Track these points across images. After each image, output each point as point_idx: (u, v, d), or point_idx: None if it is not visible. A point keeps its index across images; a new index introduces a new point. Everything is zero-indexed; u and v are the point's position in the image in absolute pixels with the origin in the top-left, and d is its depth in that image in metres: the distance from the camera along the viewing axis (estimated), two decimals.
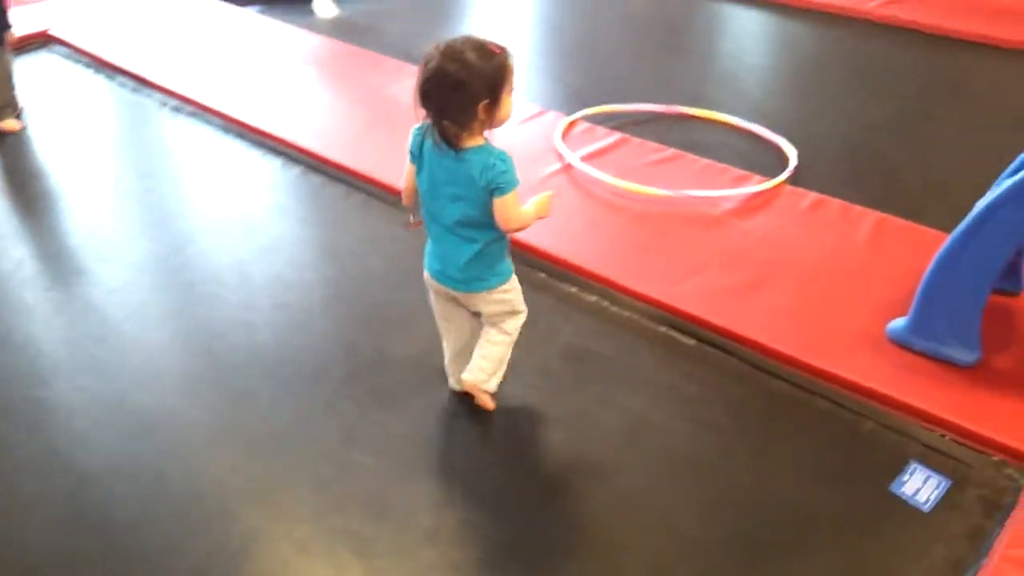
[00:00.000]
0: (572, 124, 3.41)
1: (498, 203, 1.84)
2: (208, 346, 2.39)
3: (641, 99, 3.65)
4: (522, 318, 2.09)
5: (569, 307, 2.52)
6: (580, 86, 3.90)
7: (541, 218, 1.97)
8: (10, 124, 3.45)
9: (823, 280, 2.56)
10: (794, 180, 3.06)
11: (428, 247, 2.02)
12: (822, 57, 4.31)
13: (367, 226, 2.92)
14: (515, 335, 2.09)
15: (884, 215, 2.83)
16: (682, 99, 3.68)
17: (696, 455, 2.05)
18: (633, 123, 3.51)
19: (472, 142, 1.83)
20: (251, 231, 2.89)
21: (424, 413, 2.17)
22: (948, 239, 2.17)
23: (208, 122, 3.57)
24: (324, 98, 3.71)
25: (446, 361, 2.20)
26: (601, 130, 3.39)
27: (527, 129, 3.39)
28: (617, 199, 2.94)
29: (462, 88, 1.75)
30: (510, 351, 2.10)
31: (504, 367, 2.11)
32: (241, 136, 3.46)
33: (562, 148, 3.21)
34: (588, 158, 3.16)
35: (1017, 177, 2.04)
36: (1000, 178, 2.40)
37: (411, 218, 2.04)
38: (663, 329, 2.42)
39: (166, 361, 2.34)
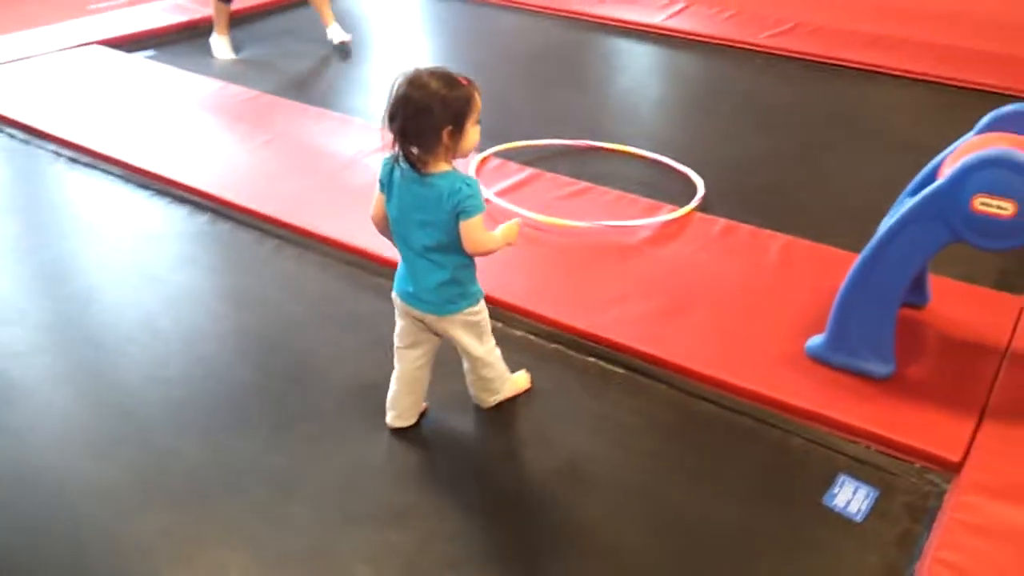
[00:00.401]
0: (484, 161, 3.43)
1: (464, 227, 1.90)
2: (123, 406, 2.28)
3: (548, 134, 3.70)
4: (492, 342, 2.16)
5: (498, 343, 2.51)
6: (488, 123, 3.89)
7: (509, 244, 2.03)
8: None
9: (740, 302, 2.63)
10: (703, 208, 3.15)
11: (399, 270, 2.07)
12: (718, 88, 4.47)
13: (282, 271, 2.85)
14: (494, 357, 2.17)
15: (791, 238, 2.94)
16: (587, 133, 3.75)
17: (636, 483, 2.07)
18: (543, 158, 3.56)
19: (438, 168, 1.90)
20: (159, 283, 2.79)
21: (358, 458, 2.12)
22: (859, 258, 2.26)
23: (107, 172, 3.45)
24: (227, 143, 3.64)
25: (390, 394, 2.19)
26: (513, 166, 3.42)
27: None
28: (535, 233, 2.96)
29: (426, 113, 1.82)
30: (501, 366, 2.20)
31: (504, 379, 2.23)
32: (143, 186, 3.35)
33: None
34: (503, 193, 3.18)
35: (919, 196, 2.14)
36: (900, 198, 2.53)
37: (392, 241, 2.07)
38: (591, 359, 2.44)
39: (80, 424, 2.22)
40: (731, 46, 4.88)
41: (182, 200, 3.24)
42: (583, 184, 3.28)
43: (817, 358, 2.37)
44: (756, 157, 3.68)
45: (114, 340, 2.53)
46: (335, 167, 3.40)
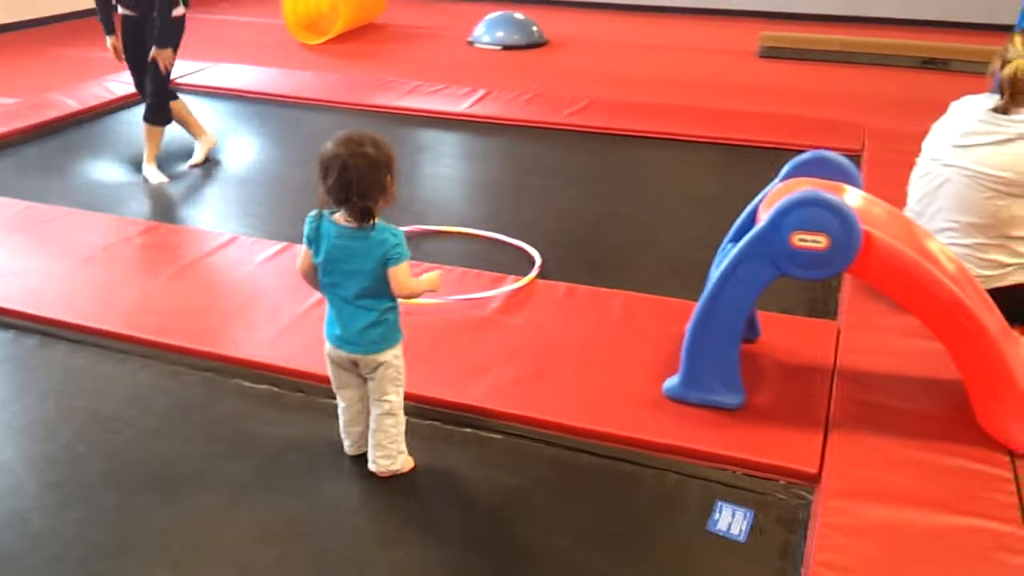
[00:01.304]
0: None
1: (392, 272, 2.11)
2: None
3: None
4: (402, 391, 2.28)
5: None
6: None
7: (432, 291, 2.24)
8: None
9: (596, 356, 2.78)
10: (543, 275, 3.31)
11: (328, 316, 2.23)
12: (532, 165, 4.72)
13: (126, 385, 2.72)
14: (401, 412, 2.28)
15: (629, 292, 3.15)
16: (416, 219, 3.86)
17: (526, 543, 2.11)
18: None
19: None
20: None
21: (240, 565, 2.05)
22: (700, 301, 2.47)
23: None
24: (43, 262, 3.44)
25: (342, 426, 2.36)
26: None
27: (280, 263, 3.39)
28: None
29: (377, 167, 2.05)
30: (403, 427, 2.30)
31: (403, 442, 2.30)
32: None
33: None
34: None
35: (745, 239, 2.38)
36: (723, 244, 2.79)
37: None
38: (467, 430, 2.50)
39: None
40: (536, 126, 5.19)
41: (4, 325, 3.03)
42: (425, 265, 3.36)
43: (675, 397, 2.55)
44: (582, 224, 3.92)
45: None
46: (167, 275, 3.31)
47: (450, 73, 6.31)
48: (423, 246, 3.65)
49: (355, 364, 2.24)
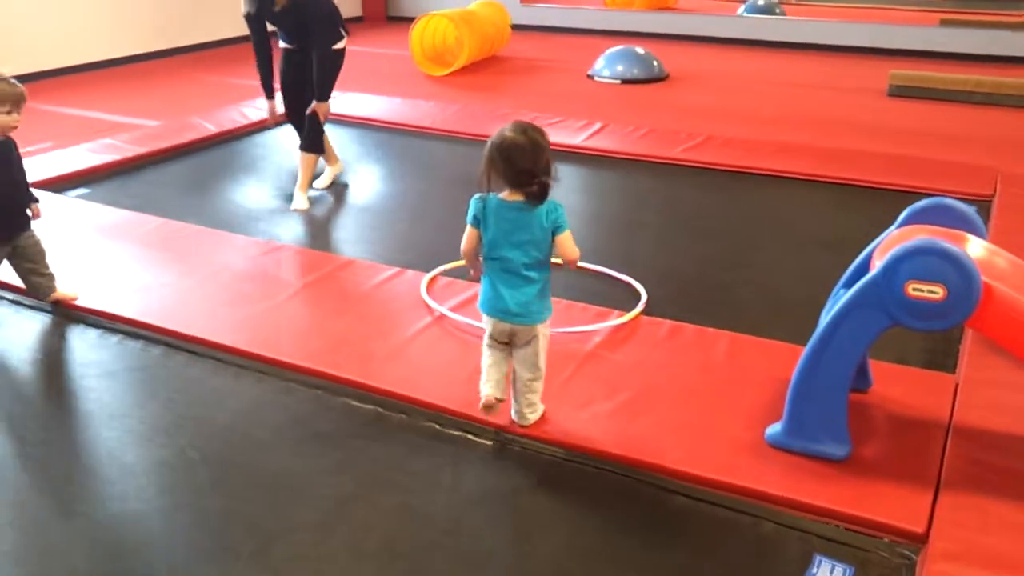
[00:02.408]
0: (433, 280, 3.54)
1: (560, 239, 2.40)
2: (96, 540, 2.23)
3: None
4: (542, 371, 2.54)
5: (468, 453, 2.56)
6: (429, 245, 4.06)
7: (576, 263, 2.47)
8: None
9: (697, 397, 2.75)
10: (648, 312, 3.29)
11: (488, 293, 2.47)
12: (645, 200, 4.72)
13: (240, 398, 2.85)
14: (542, 376, 2.54)
15: (734, 334, 3.10)
16: None
17: None
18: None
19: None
20: (120, 419, 2.75)
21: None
22: (807, 347, 2.41)
23: (52, 313, 3.41)
24: (171, 276, 3.64)
25: (488, 390, 2.53)
26: (460, 283, 3.52)
27: (391, 288, 3.49)
28: None
29: (547, 150, 2.37)
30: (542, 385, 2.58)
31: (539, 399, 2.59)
32: (94, 325, 3.32)
33: (430, 302, 3.32)
34: (457, 308, 3.28)
35: (857, 286, 2.32)
36: (835, 290, 2.72)
37: (470, 272, 2.57)
38: (564, 462, 2.51)
39: (52, 554, 2.16)
40: (651, 161, 5.18)
41: (135, 336, 3.22)
42: None
43: (777, 445, 2.49)
44: (690, 261, 3.89)
45: (81, 477, 2.48)
46: (285, 295, 3.45)
47: (568, 106, 6.38)
48: None
49: (512, 335, 2.49)
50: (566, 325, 3.15)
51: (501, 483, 2.45)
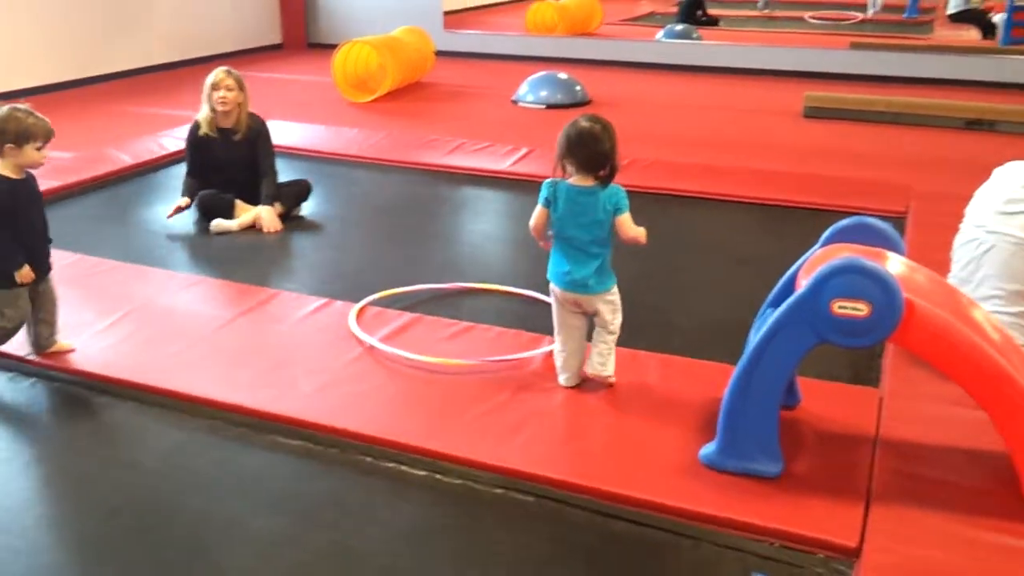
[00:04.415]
0: (362, 310, 3.48)
1: (620, 219, 2.70)
2: None
3: (418, 281, 3.80)
4: (620, 316, 2.85)
5: (402, 486, 2.52)
6: (358, 274, 4.01)
7: (639, 240, 2.74)
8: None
9: (633, 420, 2.76)
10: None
11: (556, 267, 2.79)
12: None
13: (162, 439, 2.75)
14: (617, 332, 2.85)
15: (667, 356, 3.12)
16: (456, 276, 3.89)
17: None
18: (419, 303, 3.65)
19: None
20: (33, 466, 2.62)
21: None
22: (738, 366, 2.44)
23: None
24: (66, 312, 3.51)
25: (561, 361, 2.89)
26: (392, 312, 3.48)
27: (319, 320, 3.42)
28: (426, 374, 3.01)
29: (613, 136, 2.69)
30: (615, 344, 2.87)
31: (613, 356, 2.87)
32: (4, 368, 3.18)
33: (360, 333, 3.27)
34: (387, 339, 3.23)
35: (784, 305, 2.36)
36: (763, 309, 2.77)
37: (540, 243, 2.88)
38: (500, 491, 2.48)
39: None
40: None
41: (49, 378, 3.08)
42: (464, 324, 3.37)
43: (712, 465, 2.50)
44: (620, 284, 3.89)
45: None
46: (208, 330, 3.36)
47: (494, 131, 6.40)
48: (462, 304, 3.67)
49: (578, 304, 2.78)
50: (498, 353, 3.13)
51: (438, 515, 2.41)
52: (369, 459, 2.61)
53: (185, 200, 4.55)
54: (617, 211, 2.70)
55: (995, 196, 2.87)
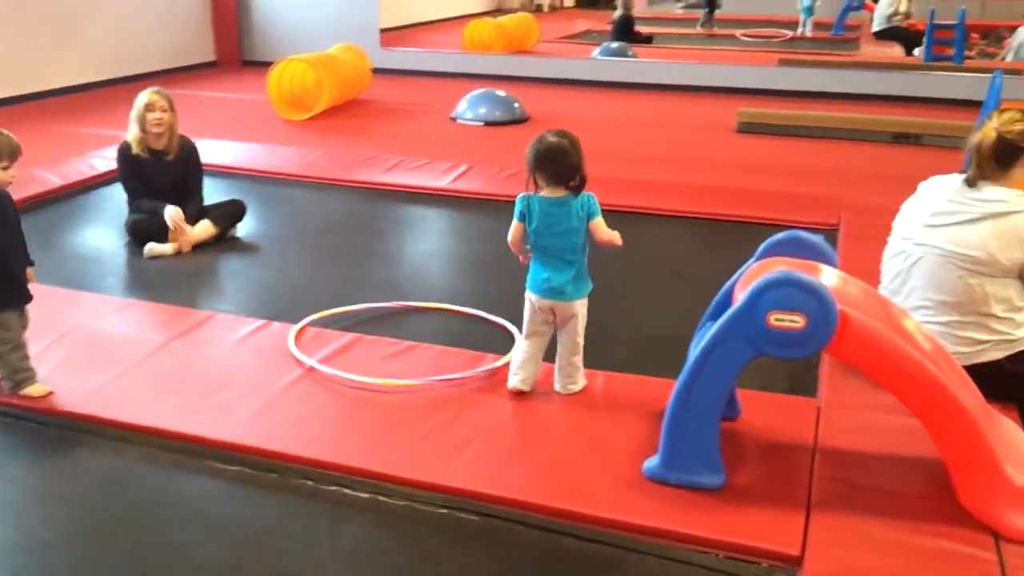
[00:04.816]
0: (301, 331, 3.43)
1: (595, 223, 2.82)
2: None
3: (359, 300, 3.77)
4: (582, 336, 2.94)
5: (344, 509, 2.48)
6: (297, 295, 3.95)
7: (615, 242, 2.85)
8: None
9: (577, 437, 2.76)
10: None
11: (535, 276, 2.87)
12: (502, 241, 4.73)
13: (95, 468, 2.67)
14: (582, 345, 2.94)
15: (610, 372, 3.13)
16: (397, 295, 3.86)
17: None
18: (360, 323, 3.61)
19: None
20: None
21: None
22: (679, 381, 2.46)
23: None
24: None
25: (518, 362, 2.95)
26: (332, 333, 3.44)
27: (256, 342, 3.36)
28: (367, 395, 2.98)
29: (579, 149, 2.84)
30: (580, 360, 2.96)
31: (582, 370, 2.98)
32: None
33: (299, 354, 3.22)
34: (327, 360, 3.18)
35: (722, 319, 2.39)
36: (702, 323, 2.80)
37: (520, 258, 2.97)
38: (444, 511, 2.45)
39: None
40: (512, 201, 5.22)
41: None
42: (405, 343, 3.35)
43: (655, 478, 2.52)
44: None
45: None
46: (142, 354, 3.27)
47: (433, 148, 6.39)
48: (404, 324, 3.64)
49: (552, 312, 2.86)
50: (440, 372, 3.10)
51: (381, 538, 2.38)
52: (310, 483, 2.57)
53: (175, 216, 4.41)
54: (590, 216, 2.81)
55: (921, 209, 2.95)
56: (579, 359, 2.96)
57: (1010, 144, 2.81)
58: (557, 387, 2.96)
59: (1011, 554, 2.22)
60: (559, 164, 2.79)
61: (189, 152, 4.57)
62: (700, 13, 13.83)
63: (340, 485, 2.56)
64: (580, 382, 2.97)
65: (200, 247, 4.49)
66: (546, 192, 2.82)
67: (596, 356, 3.25)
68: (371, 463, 2.61)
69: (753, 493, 2.47)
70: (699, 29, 13.56)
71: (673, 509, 2.40)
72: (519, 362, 2.96)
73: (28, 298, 2.93)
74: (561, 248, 2.82)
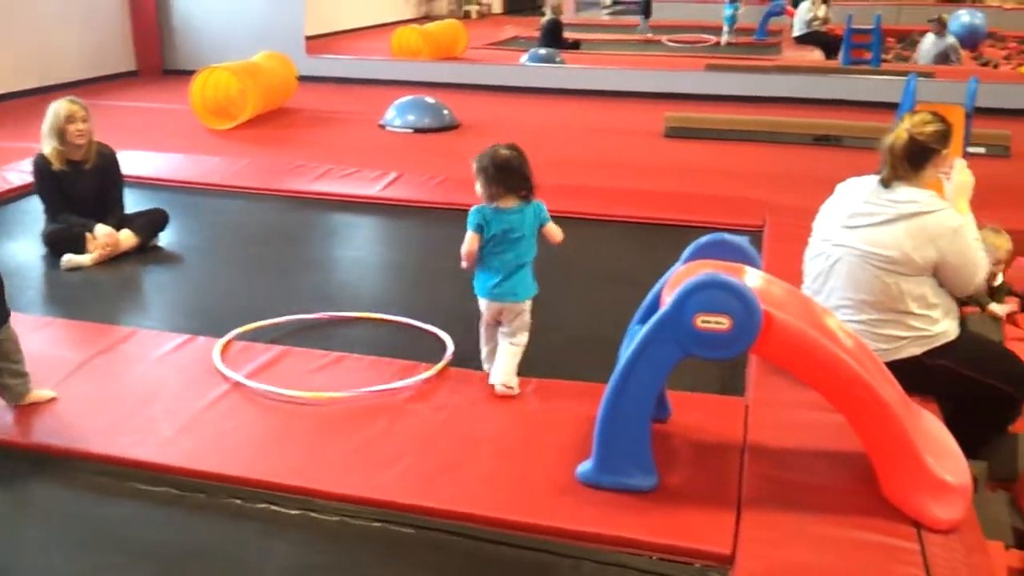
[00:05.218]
0: (227, 345, 3.36)
1: (548, 228, 3.03)
2: None
3: (287, 312, 3.70)
4: (527, 334, 3.09)
5: (275, 527, 2.43)
6: (223, 308, 3.87)
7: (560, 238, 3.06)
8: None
9: (510, 444, 2.75)
10: (456, 363, 3.27)
11: (485, 281, 3.01)
12: (442, 249, 4.70)
13: (12, 492, 2.57)
14: (523, 347, 3.08)
15: (540, 379, 3.13)
16: (327, 305, 3.80)
17: None
18: (288, 335, 3.55)
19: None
20: None
21: None
22: (609, 384, 2.47)
23: None
24: None
25: (485, 356, 3.15)
26: (259, 346, 3.37)
27: (180, 357, 3.27)
28: (297, 409, 2.93)
29: (527, 161, 3.00)
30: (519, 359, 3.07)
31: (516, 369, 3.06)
32: None
33: (224, 369, 3.14)
34: (254, 375, 3.12)
35: (650, 322, 2.41)
36: (631, 326, 2.81)
37: (465, 265, 3.05)
38: (378, 525, 2.42)
39: None
40: (448, 208, 5.20)
41: None
42: (335, 354, 3.30)
43: (589, 482, 2.52)
44: None
45: None
46: (61, 374, 3.16)
47: (362, 156, 6.33)
48: (333, 334, 3.59)
49: (500, 313, 3.03)
50: (373, 383, 3.07)
51: (314, 554, 2.33)
52: (238, 501, 2.51)
53: (107, 239, 4.30)
54: (543, 223, 3.01)
55: (839, 211, 3.01)
56: (519, 358, 3.07)
57: (921, 145, 2.89)
58: (495, 382, 3.03)
59: (933, 543, 2.28)
60: (515, 175, 2.95)
61: (109, 160, 4.45)
62: (626, 19, 14.03)
63: (269, 502, 2.50)
64: (513, 381, 3.04)
65: (121, 257, 4.37)
66: (501, 203, 2.95)
67: (528, 361, 3.24)
68: (301, 479, 2.56)
69: (685, 493, 2.49)
70: (637, 34, 13.75)
71: (607, 513, 2.41)
72: (487, 355, 3.16)
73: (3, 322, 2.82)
74: (516, 252, 2.99)
